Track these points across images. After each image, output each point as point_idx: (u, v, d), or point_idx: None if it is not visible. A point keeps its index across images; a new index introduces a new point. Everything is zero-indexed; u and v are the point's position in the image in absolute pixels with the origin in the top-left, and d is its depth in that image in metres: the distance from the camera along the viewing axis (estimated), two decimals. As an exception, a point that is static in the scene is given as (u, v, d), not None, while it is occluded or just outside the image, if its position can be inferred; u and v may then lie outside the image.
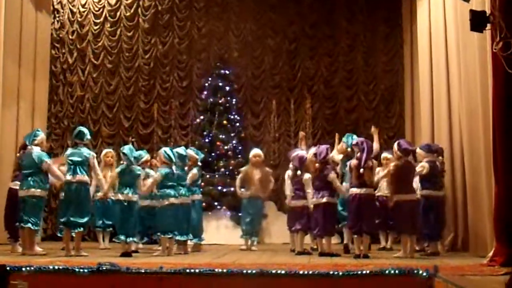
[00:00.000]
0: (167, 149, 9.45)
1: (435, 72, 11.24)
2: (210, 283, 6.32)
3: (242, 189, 10.97)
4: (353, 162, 9.02)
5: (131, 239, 9.03)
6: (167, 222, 9.12)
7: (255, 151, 11.09)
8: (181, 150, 9.62)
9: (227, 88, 14.07)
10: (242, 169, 11.20)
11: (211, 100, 13.90)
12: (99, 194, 10.21)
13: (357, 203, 8.88)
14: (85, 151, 9.13)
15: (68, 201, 9.05)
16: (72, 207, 8.94)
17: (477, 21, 7.10)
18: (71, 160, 9.02)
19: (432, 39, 11.45)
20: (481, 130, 8.73)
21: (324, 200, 9.15)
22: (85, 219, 9.02)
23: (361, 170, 8.83)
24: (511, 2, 6.87)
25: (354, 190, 8.91)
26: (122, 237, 8.91)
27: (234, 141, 13.61)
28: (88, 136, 9.39)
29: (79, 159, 9.02)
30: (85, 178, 9.05)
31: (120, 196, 9.01)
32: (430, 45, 11.51)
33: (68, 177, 9.00)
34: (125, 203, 8.96)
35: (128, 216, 9.00)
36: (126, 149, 9.26)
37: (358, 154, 8.97)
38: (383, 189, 10.38)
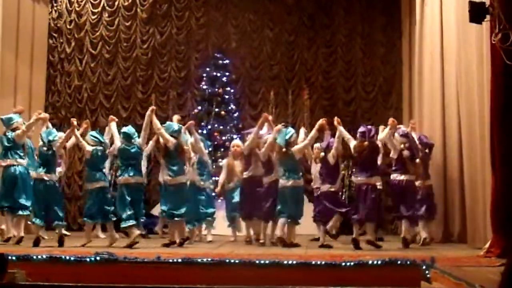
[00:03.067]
0: (93, 133, 9.53)
1: (431, 63, 11.23)
2: (207, 272, 6.33)
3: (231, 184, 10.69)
4: (405, 152, 9.37)
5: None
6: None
7: (234, 142, 11.07)
8: (126, 129, 9.49)
9: (225, 78, 14.03)
10: (223, 162, 11.03)
11: (209, 90, 13.87)
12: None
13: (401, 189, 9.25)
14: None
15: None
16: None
17: (476, 12, 7.10)
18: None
19: (429, 30, 11.43)
20: (479, 122, 8.74)
21: (377, 183, 9.21)
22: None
23: (417, 160, 9.46)
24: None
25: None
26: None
27: (232, 132, 13.59)
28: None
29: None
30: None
31: None
32: (428, 37, 11.49)
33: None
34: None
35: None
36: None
37: (408, 144, 9.33)
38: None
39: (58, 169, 9.98)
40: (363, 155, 9.05)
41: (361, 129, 9.27)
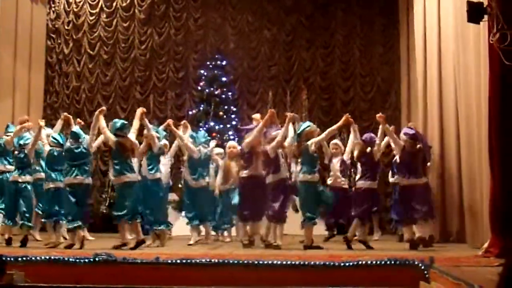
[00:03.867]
0: (55, 134, 9.44)
1: (430, 63, 11.23)
2: (206, 273, 6.34)
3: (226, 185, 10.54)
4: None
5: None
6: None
7: (230, 143, 10.90)
8: (75, 128, 9.27)
9: (223, 79, 14.04)
10: (220, 163, 10.98)
11: (207, 91, 13.87)
12: None
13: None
14: None
15: None
16: None
17: (474, 12, 7.10)
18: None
19: (427, 30, 11.43)
20: (477, 122, 8.74)
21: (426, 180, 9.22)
22: None
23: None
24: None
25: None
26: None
27: (230, 132, 13.59)
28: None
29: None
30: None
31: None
32: (425, 37, 11.49)
33: None
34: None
35: None
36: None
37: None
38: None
39: None
40: (414, 157, 9.08)
41: (410, 131, 9.23)
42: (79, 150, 8.80)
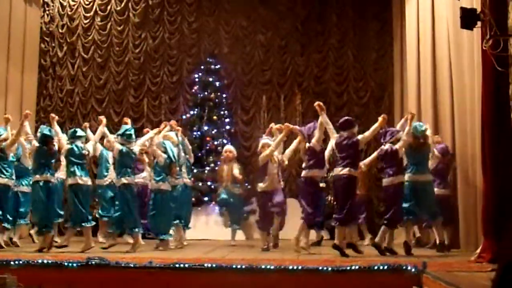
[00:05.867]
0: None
1: (423, 69, 11.27)
2: (199, 278, 6.33)
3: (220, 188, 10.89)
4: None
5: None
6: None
7: (226, 147, 11.09)
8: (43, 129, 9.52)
9: (217, 83, 14.03)
10: (218, 169, 11.16)
11: (201, 95, 13.86)
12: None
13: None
14: None
15: None
16: None
17: (468, 18, 7.12)
18: None
19: (420, 36, 11.47)
20: (470, 127, 8.77)
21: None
22: None
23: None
24: (501, 0, 6.90)
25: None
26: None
27: (224, 137, 13.59)
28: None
29: None
30: None
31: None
32: (418, 42, 11.53)
33: None
34: None
35: None
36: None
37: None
38: None
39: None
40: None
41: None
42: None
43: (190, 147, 11.12)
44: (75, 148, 9.19)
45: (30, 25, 13.91)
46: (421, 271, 6.21)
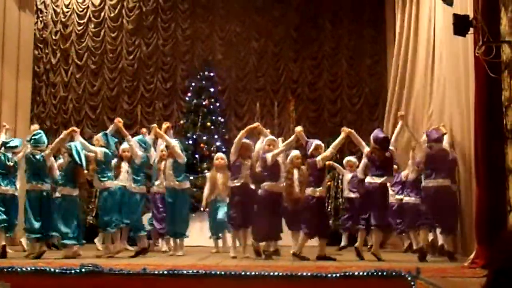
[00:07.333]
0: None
1: (419, 75, 11.30)
2: (194, 284, 6.31)
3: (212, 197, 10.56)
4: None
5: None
6: None
7: (217, 154, 10.85)
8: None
9: (211, 90, 14.06)
10: (207, 175, 10.90)
11: (195, 102, 13.88)
12: None
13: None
14: None
15: None
16: None
17: (460, 25, 7.15)
18: None
19: (415, 42, 11.51)
20: (463, 134, 8.79)
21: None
22: None
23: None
24: (494, 6, 6.93)
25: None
26: None
27: (217, 143, 13.59)
28: None
29: None
30: None
31: None
32: (414, 49, 11.57)
33: None
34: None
35: None
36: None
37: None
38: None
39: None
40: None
41: (435, 134, 9.06)
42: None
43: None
44: (2, 158, 9.17)
45: (24, 32, 13.90)
46: (415, 276, 6.21)
